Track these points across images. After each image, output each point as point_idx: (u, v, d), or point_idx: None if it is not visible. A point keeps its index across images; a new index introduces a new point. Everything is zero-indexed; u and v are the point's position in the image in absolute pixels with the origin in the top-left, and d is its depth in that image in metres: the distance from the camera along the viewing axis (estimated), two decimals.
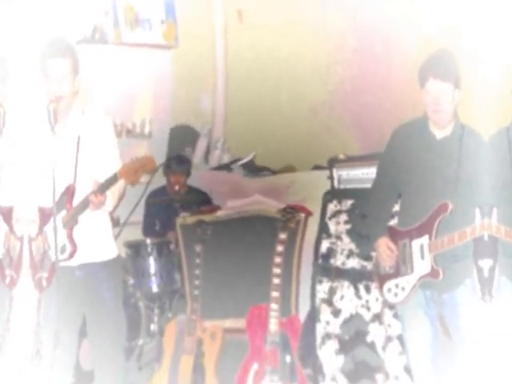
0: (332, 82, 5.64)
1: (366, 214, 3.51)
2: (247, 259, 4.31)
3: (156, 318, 4.59)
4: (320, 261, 4.07)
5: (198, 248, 4.24)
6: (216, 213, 4.63)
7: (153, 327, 4.58)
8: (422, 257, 2.99)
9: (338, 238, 4.06)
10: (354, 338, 3.90)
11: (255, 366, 3.78)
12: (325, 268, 4.03)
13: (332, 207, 4.13)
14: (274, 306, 3.81)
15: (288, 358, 3.77)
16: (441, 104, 2.93)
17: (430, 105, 2.97)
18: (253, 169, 6.06)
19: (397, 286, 3.09)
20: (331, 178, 4.17)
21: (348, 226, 4.05)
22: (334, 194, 4.15)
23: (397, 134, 3.20)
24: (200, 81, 6.27)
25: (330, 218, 4.12)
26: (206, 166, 6.28)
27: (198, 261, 4.20)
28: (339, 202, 4.11)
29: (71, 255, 3.06)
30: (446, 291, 3.05)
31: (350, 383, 3.86)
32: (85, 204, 3.01)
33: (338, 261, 4.02)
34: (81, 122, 3.16)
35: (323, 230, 4.12)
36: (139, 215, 5.25)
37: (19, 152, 3.16)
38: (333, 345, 3.93)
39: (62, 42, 3.11)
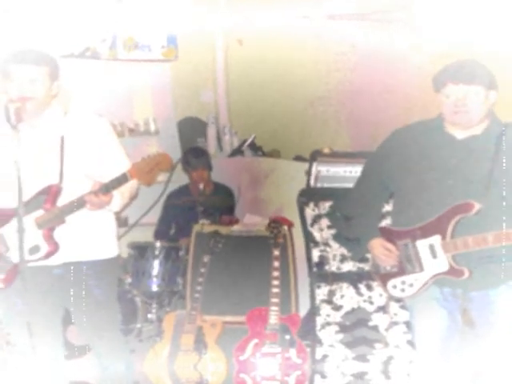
0: (332, 82, 5.66)
1: (350, 215, 3.28)
2: (248, 275, 4.33)
3: (154, 310, 4.60)
4: (315, 269, 4.02)
5: (206, 258, 4.24)
6: (232, 226, 4.58)
7: (150, 316, 4.60)
8: (434, 256, 2.87)
9: (326, 244, 3.99)
10: (355, 323, 3.92)
11: (255, 341, 3.89)
12: (321, 275, 3.99)
13: (310, 212, 3.98)
14: (273, 307, 3.88)
15: (287, 337, 3.85)
16: (466, 105, 2.82)
17: (449, 107, 2.85)
18: (255, 149, 6.05)
19: (403, 282, 2.97)
20: (309, 173, 4.03)
21: (332, 231, 3.94)
22: (309, 195, 4.01)
23: (398, 133, 3.09)
24: (200, 77, 6.28)
25: (312, 225, 4.00)
26: (222, 155, 6.22)
27: (203, 270, 4.19)
28: (316, 205, 3.97)
29: (49, 255, 3.00)
30: (475, 289, 2.90)
31: (347, 349, 3.90)
32: (79, 204, 2.93)
33: (333, 266, 3.99)
34: (63, 123, 3.11)
35: (309, 239, 4.04)
36: (150, 217, 5.11)
37: None
38: (333, 328, 3.95)
39: (35, 51, 3.06)
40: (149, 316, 4.59)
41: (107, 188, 2.89)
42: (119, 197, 3.04)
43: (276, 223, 4.21)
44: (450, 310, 2.99)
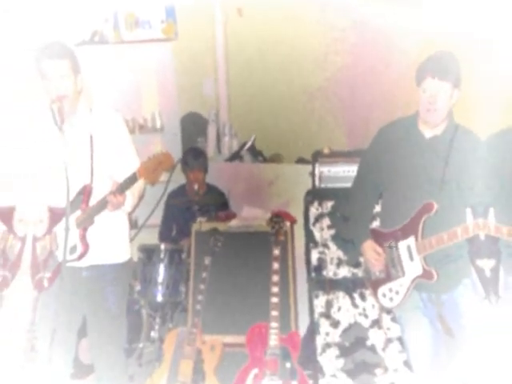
0: (330, 69, 5.53)
1: (348, 216, 3.38)
2: (248, 277, 4.22)
3: (157, 327, 4.53)
4: (313, 274, 4.04)
5: (207, 260, 4.18)
6: (230, 222, 4.49)
7: (153, 334, 4.54)
8: (411, 258, 2.92)
9: (325, 245, 4.03)
10: (354, 343, 3.94)
11: (255, 371, 3.74)
12: (319, 281, 4.01)
13: (314, 210, 4.06)
14: (273, 324, 3.74)
15: (288, 365, 3.71)
16: (436, 103, 2.85)
17: (424, 103, 2.88)
18: (255, 154, 5.94)
19: (390, 290, 3.03)
20: (313, 174, 4.07)
21: (332, 232, 4.01)
22: (314, 195, 4.05)
23: (383, 131, 3.16)
24: (201, 66, 6.19)
25: (314, 224, 4.06)
26: (220, 157, 6.14)
27: (204, 275, 4.12)
28: (320, 204, 4.05)
29: (81, 256, 3.02)
30: (443, 292, 2.98)
31: (349, 378, 3.89)
32: (103, 204, 2.96)
33: (330, 272, 4.00)
34: (90, 120, 3.13)
35: (310, 239, 4.05)
36: (158, 218, 5.14)
37: (22, 153, 3.12)
38: (333, 352, 3.95)
39: (58, 44, 3.02)
40: (152, 334, 4.55)
41: (122, 188, 2.92)
42: (131, 197, 3.06)
43: (278, 218, 4.05)
44: (431, 318, 3.05)
